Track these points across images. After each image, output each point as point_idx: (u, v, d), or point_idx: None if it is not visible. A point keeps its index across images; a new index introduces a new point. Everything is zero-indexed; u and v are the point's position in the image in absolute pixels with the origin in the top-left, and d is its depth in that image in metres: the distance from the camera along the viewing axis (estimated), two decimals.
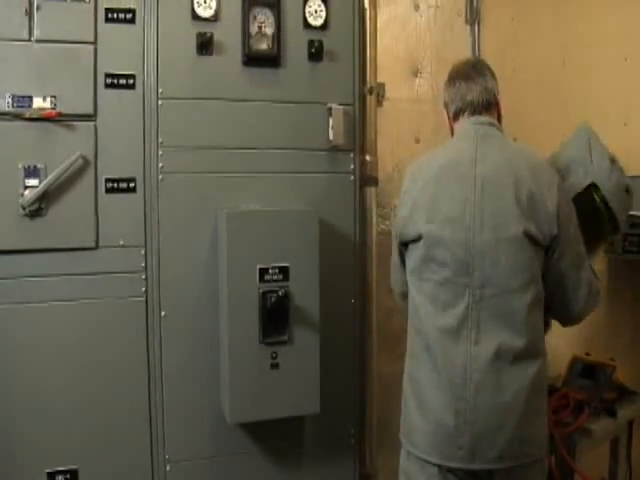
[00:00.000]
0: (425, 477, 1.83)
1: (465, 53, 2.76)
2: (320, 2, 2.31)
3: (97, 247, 2.13)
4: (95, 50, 2.09)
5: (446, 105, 2.02)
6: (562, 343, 2.77)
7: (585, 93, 2.78)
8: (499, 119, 1.99)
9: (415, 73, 2.81)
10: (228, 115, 2.25)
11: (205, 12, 2.19)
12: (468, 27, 2.88)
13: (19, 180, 2.02)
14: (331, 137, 2.34)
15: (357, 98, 2.42)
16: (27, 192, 2.03)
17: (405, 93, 2.78)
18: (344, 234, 2.41)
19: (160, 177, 2.18)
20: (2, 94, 2.00)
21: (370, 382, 2.54)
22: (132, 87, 2.14)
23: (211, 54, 2.21)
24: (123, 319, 2.16)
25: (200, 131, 2.22)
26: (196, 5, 2.18)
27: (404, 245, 1.94)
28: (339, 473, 2.45)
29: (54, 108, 2.04)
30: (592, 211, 2.09)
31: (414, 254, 1.88)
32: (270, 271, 2.14)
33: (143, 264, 2.18)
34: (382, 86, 2.63)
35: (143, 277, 2.18)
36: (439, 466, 1.80)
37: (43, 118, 2.03)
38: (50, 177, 2.04)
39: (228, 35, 2.22)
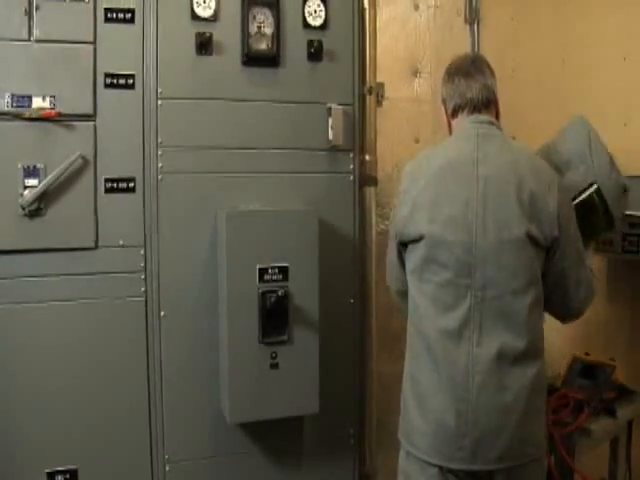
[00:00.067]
0: (425, 478, 1.82)
1: None
2: (319, 2, 2.31)
3: (97, 247, 2.13)
4: (94, 50, 2.09)
5: (444, 101, 2.00)
6: (562, 343, 2.78)
7: (585, 93, 2.78)
8: (497, 116, 1.98)
9: (415, 73, 2.81)
10: (227, 115, 2.25)
11: (204, 12, 2.19)
12: (468, 27, 2.89)
13: (18, 180, 2.02)
14: (330, 137, 2.34)
15: (357, 98, 2.42)
16: (27, 192, 2.03)
17: (405, 93, 2.78)
18: (344, 234, 2.41)
19: (160, 177, 2.18)
20: (2, 94, 2.00)
21: (370, 382, 2.54)
22: (131, 87, 2.14)
23: (210, 54, 2.21)
24: (122, 319, 2.16)
25: (199, 131, 2.22)
26: (195, 5, 2.18)
27: (403, 245, 1.92)
28: (339, 473, 2.45)
29: (53, 108, 2.04)
30: (588, 208, 2.10)
31: (414, 254, 1.87)
32: (270, 271, 2.14)
33: (143, 264, 2.18)
34: (382, 86, 2.62)
35: (142, 277, 2.18)
36: (440, 467, 1.80)
37: (42, 118, 2.03)
38: (49, 177, 2.04)
39: (227, 35, 2.22)
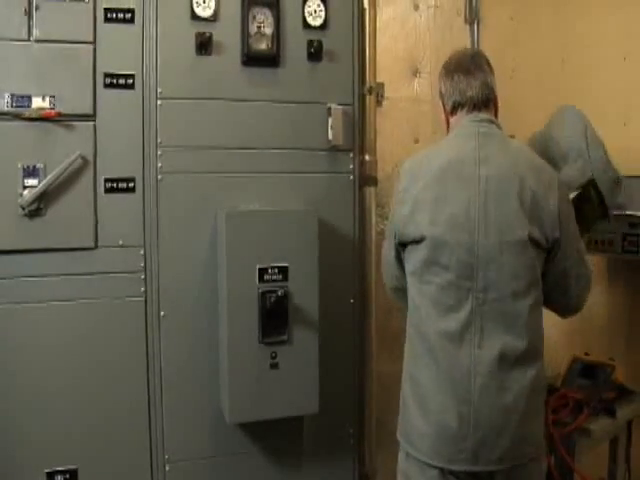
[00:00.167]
0: (426, 479, 1.82)
1: None
2: (319, 2, 2.31)
3: (96, 247, 2.13)
4: (94, 50, 2.09)
5: (442, 97, 1.97)
6: (562, 343, 2.78)
7: (584, 93, 2.78)
8: (496, 113, 1.96)
9: (414, 73, 2.81)
10: (227, 115, 2.25)
11: (204, 12, 2.19)
12: (467, 27, 2.88)
13: (18, 180, 2.03)
14: (330, 137, 2.34)
15: (356, 98, 2.42)
16: (26, 192, 2.03)
17: (404, 93, 2.78)
18: (343, 234, 2.41)
19: (159, 177, 2.18)
20: (1, 94, 2.01)
21: (369, 382, 2.54)
22: (131, 87, 2.14)
23: (210, 54, 2.21)
24: (122, 319, 2.16)
25: (199, 131, 2.22)
26: (195, 5, 2.18)
27: (402, 245, 1.90)
28: (338, 473, 2.45)
29: (53, 108, 2.04)
30: (584, 200, 2.11)
31: (414, 255, 1.85)
32: (269, 271, 2.14)
33: (142, 264, 2.18)
34: (381, 86, 2.62)
35: (142, 277, 2.19)
36: (440, 469, 1.79)
37: (42, 118, 2.03)
38: (49, 177, 2.04)
39: (227, 35, 2.22)
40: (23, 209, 2.03)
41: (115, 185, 2.14)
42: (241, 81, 2.26)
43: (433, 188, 1.82)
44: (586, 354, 2.60)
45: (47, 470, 2.10)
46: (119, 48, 2.12)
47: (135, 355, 2.18)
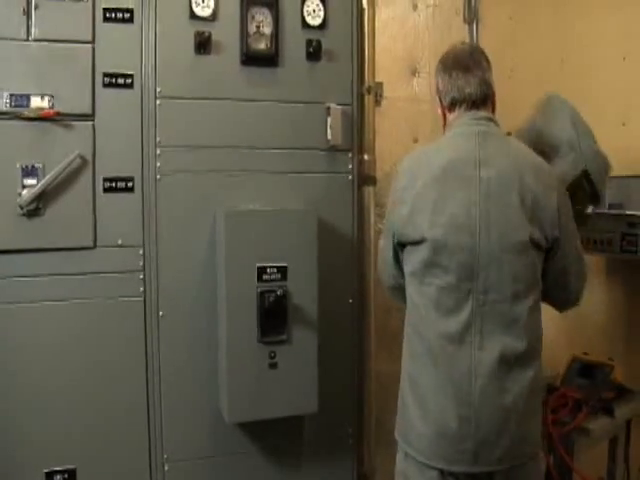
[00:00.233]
0: None
1: None
2: (318, 1, 2.31)
3: (95, 247, 2.13)
4: (93, 49, 2.09)
5: (439, 93, 1.95)
6: (561, 342, 2.78)
7: (584, 93, 2.77)
8: (493, 110, 1.94)
9: (413, 72, 2.81)
10: (226, 115, 2.25)
11: (203, 11, 2.19)
12: (466, 26, 2.88)
13: (17, 180, 2.02)
14: (329, 137, 2.34)
15: (355, 98, 2.42)
16: (25, 192, 2.02)
17: (403, 92, 2.78)
18: (342, 233, 2.41)
19: (158, 177, 2.18)
20: (0, 93, 2.00)
21: (368, 381, 2.54)
22: (130, 86, 2.14)
23: (209, 53, 2.20)
24: (121, 319, 2.16)
25: (198, 131, 2.22)
26: (194, 4, 2.17)
27: (401, 245, 1.89)
28: (337, 472, 2.45)
29: (52, 107, 2.04)
30: (576, 188, 2.11)
31: (414, 256, 1.84)
32: (268, 270, 2.14)
33: (141, 264, 2.18)
34: (380, 86, 2.62)
35: (141, 277, 2.18)
36: (440, 469, 1.78)
37: (41, 117, 2.03)
38: (48, 177, 2.04)
39: (226, 34, 2.22)
40: (22, 209, 2.03)
41: (114, 185, 2.14)
42: (240, 81, 2.25)
43: (433, 188, 1.80)
44: (585, 354, 2.60)
45: (46, 470, 2.09)
46: (118, 48, 2.12)
47: (134, 355, 2.18)
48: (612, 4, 2.83)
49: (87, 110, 2.09)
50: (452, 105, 1.91)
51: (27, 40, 2.02)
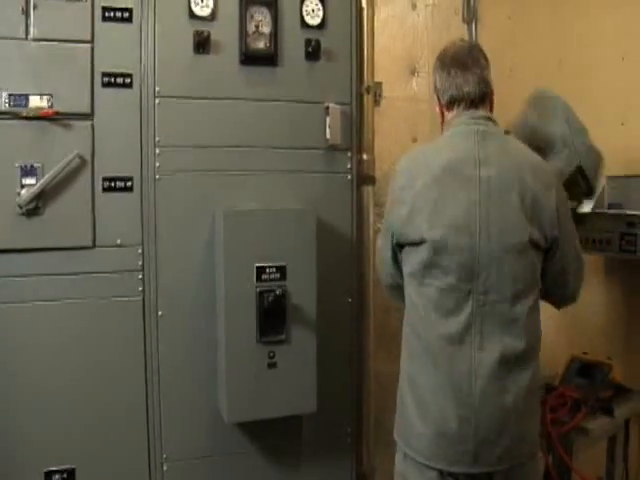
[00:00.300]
0: None
1: None
2: (317, 1, 2.31)
3: (94, 246, 2.13)
4: (92, 49, 2.09)
5: (437, 91, 1.94)
6: (560, 342, 2.78)
7: (583, 93, 2.78)
8: (491, 108, 1.93)
9: (412, 72, 2.82)
10: (225, 114, 2.24)
11: (202, 11, 2.19)
12: (465, 26, 2.89)
13: (16, 179, 2.02)
14: (328, 136, 2.34)
15: (354, 97, 2.42)
16: (24, 191, 2.02)
17: (402, 92, 2.79)
18: (341, 233, 2.41)
19: (157, 176, 2.18)
20: None
21: (367, 381, 2.54)
22: (129, 86, 2.14)
23: (208, 53, 2.20)
24: (120, 319, 2.16)
25: (197, 130, 2.22)
26: (193, 4, 2.17)
27: (399, 245, 1.88)
28: (336, 472, 2.45)
29: (51, 107, 2.04)
30: (570, 183, 2.12)
31: (413, 257, 1.83)
32: (267, 270, 2.14)
33: (140, 263, 2.18)
34: (379, 85, 2.63)
35: (140, 276, 2.18)
36: (440, 470, 1.78)
37: (40, 117, 2.03)
38: (47, 176, 2.03)
39: (225, 34, 2.22)
40: (21, 208, 2.02)
41: (113, 184, 2.14)
42: (239, 80, 2.25)
43: (433, 188, 1.79)
44: (584, 353, 2.60)
45: (45, 470, 2.09)
46: (117, 47, 2.12)
47: (133, 355, 2.18)
48: (611, 4, 2.83)
49: (86, 110, 2.09)
50: (450, 103, 1.90)
51: (26, 39, 2.02)
